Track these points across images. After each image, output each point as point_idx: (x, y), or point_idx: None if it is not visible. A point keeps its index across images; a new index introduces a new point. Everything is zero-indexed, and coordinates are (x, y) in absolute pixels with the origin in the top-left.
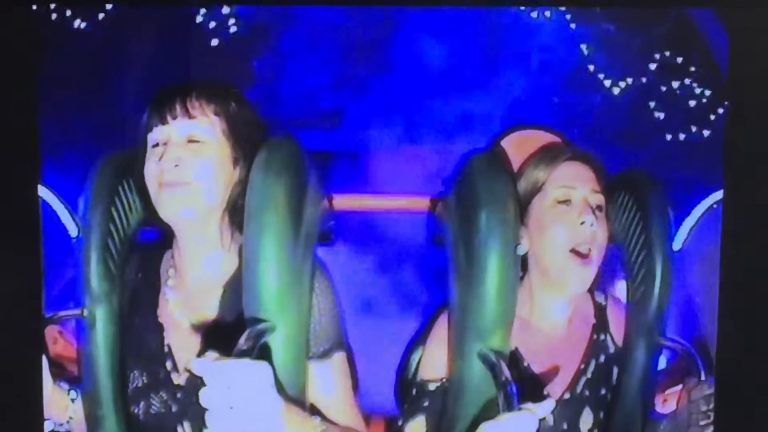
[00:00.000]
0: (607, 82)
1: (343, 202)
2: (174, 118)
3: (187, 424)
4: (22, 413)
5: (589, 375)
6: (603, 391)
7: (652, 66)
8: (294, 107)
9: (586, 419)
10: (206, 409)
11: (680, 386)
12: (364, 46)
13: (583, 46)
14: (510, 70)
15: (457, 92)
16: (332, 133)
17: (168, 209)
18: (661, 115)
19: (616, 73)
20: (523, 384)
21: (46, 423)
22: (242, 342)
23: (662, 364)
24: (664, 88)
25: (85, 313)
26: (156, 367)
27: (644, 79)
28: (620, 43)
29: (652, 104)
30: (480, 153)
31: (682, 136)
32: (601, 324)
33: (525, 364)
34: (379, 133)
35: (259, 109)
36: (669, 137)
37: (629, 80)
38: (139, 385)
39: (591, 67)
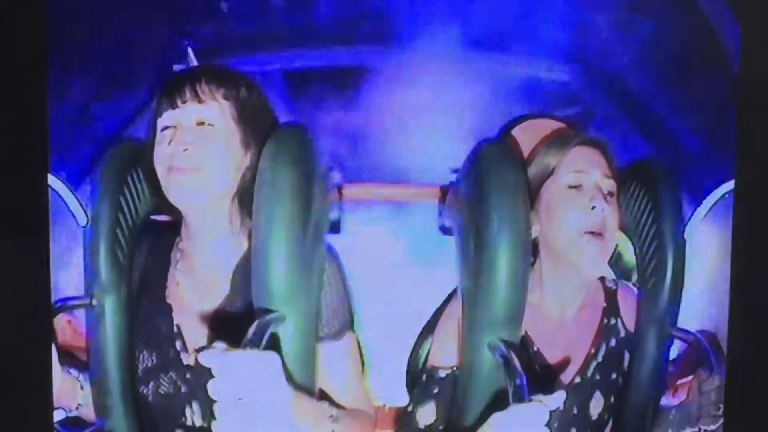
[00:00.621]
0: None
1: (353, 191)
2: (184, 102)
3: (195, 405)
4: (32, 401)
5: (599, 359)
6: (614, 376)
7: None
8: None
9: (597, 403)
10: (214, 401)
11: (691, 377)
12: None
13: None
14: None
15: None
16: None
17: (177, 194)
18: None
19: None
20: (533, 369)
21: (55, 412)
22: (251, 333)
23: (673, 354)
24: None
25: (94, 302)
26: (165, 348)
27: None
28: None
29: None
30: (490, 142)
31: (694, 127)
32: (611, 308)
33: (535, 348)
34: None
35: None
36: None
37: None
38: (149, 365)
39: None
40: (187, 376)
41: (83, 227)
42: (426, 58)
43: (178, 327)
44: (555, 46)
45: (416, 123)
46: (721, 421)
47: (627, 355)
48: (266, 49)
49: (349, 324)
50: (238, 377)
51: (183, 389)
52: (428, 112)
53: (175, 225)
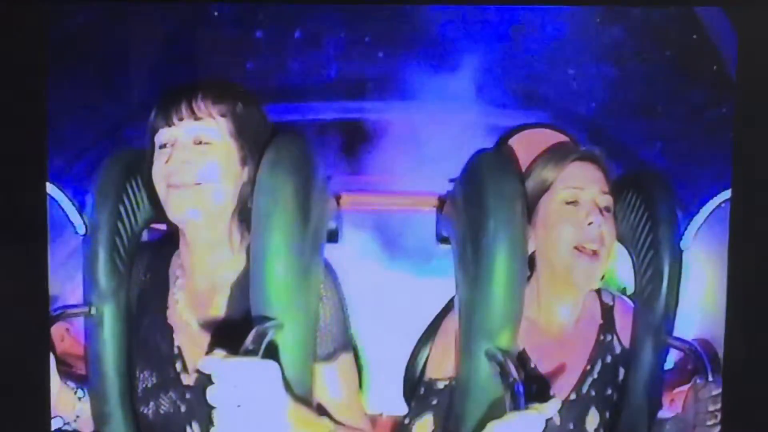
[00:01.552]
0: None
1: (351, 200)
2: (180, 119)
3: (195, 425)
4: (30, 411)
5: (595, 375)
6: (609, 392)
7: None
8: None
9: (592, 419)
10: (213, 408)
11: (687, 386)
12: None
13: None
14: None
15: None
16: None
17: (176, 211)
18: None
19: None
20: (530, 384)
21: (53, 421)
22: (249, 341)
23: (669, 363)
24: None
25: (93, 311)
26: (166, 368)
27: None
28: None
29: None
30: (488, 152)
31: (690, 134)
32: (607, 324)
33: (532, 364)
34: None
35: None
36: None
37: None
38: (149, 385)
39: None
40: (187, 395)
41: (82, 236)
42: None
43: (179, 348)
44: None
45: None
46: (718, 429)
47: (622, 371)
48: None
49: (342, 347)
50: (237, 385)
51: (183, 409)
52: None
53: (172, 239)
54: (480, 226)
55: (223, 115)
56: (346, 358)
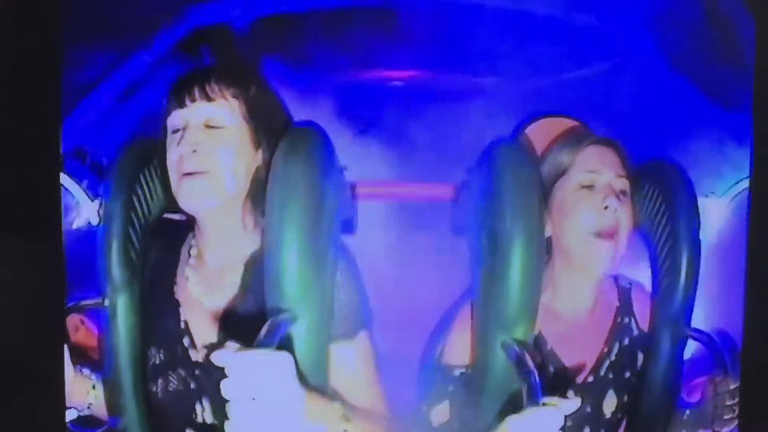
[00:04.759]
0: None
1: (366, 189)
2: (193, 101)
3: (206, 401)
4: (44, 401)
5: (612, 358)
6: (627, 375)
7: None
8: None
9: (610, 402)
10: (227, 401)
11: (705, 378)
12: None
13: None
14: None
15: None
16: None
17: (188, 200)
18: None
19: None
20: (547, 368)
21: (67, 411)
22: (263, 333)
23: (688, 354)
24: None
25: (107, 302)
26: (173, 344)
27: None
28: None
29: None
30: (504, 142)
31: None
32: (625, 307)
33: (548, 348)
34: None
35: None
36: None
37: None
38: (157, 362)
39: None
40: (196, 372)
41: (96, 227)
42: None
43: (186, 323)
44: None
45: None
46: (736, 423)
47: (640, 355)
48: None
49: (361, 324)
50: (251, 377)
51: (192, 386)
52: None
53: (188, 222)
54: (496, 215)
55: (236, 98)
56: (363, 337)
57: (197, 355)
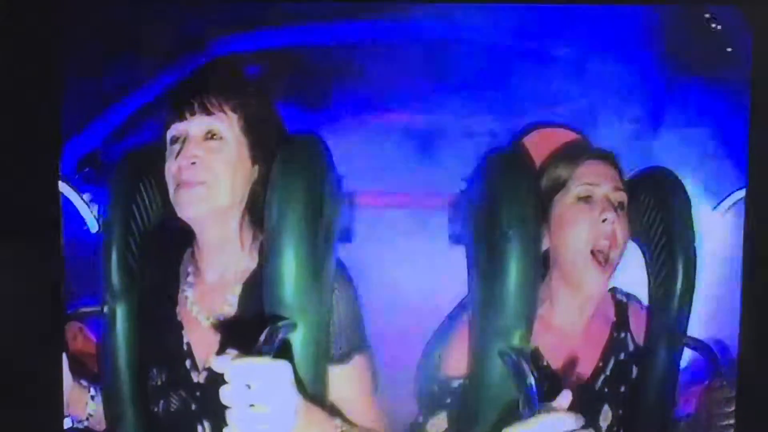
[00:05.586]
0: None
1: (364, 199)
2: (192, 114)
3: (206, 423)
4: (42, 410)
5: (608, 372)
6: (622, 389)
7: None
8: None
9: (606, 416)
10: (226, 407)
11: (701, 387)
12: None
13: None
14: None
15: None
16: None
17: (185, 209)
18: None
19: None
20: (543, 382)
21: (65, 420)
22: (262, 340)
23: (683, 363)
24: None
25: (105, 309)
26: (175, 366)
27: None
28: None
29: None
30: (501, 151)
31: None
32: (621, 322)
33: (544, 362)
34: None
35: None
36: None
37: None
38: (159, 383)
39: None
40: (197, 394)
41: (95, 234)
42: None
43: (188, 345)
44: None
45: None
46: (732, 431)
47: (635, 370)
48: None
49: (357, 347)
50: (250, 384)
51: (193, 407)
52: None
53: (185, 236)
54: (493, 225)
55: (234, 111)
56: (360, 359)
57: (199, 377)
